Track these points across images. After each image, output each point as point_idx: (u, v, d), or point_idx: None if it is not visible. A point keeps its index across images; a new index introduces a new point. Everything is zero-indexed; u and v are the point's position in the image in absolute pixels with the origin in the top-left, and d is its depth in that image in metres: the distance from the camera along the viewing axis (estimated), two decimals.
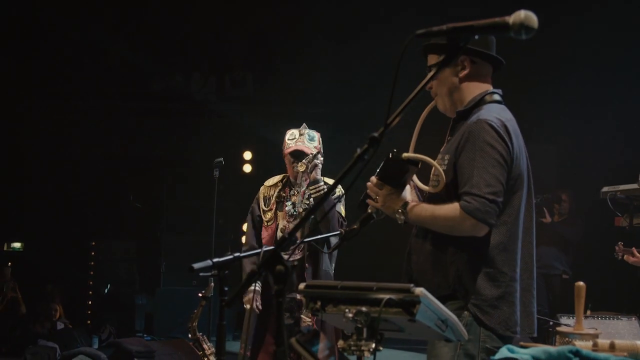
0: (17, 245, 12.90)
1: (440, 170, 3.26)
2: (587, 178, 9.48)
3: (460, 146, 3.23)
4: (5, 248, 12.80)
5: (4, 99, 12.14)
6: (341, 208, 5.58)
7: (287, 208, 5.66)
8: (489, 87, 3.43)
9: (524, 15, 2.02)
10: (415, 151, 3.37)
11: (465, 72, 3.38)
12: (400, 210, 3.28)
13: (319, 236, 3.90)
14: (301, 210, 5.58)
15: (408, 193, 3.35)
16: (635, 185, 7.25)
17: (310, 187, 5.48)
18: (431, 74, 2.34)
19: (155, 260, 12.48)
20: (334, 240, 4.87)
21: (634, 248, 7.04)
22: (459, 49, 2.19)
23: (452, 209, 3.16)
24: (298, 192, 5.66)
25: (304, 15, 11.10)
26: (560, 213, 9.88)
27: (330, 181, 5.60)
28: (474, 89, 3.40)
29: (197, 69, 13.34)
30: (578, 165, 10.55)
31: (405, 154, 3.23)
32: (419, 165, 3.30)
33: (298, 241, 2.43)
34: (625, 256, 7.19)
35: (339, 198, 5.42)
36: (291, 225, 5.49)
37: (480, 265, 3.19)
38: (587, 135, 10.19)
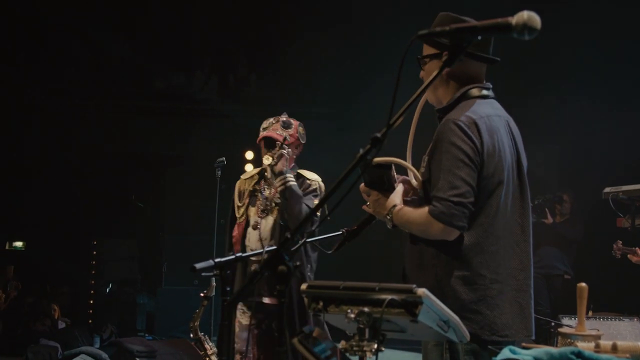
0: (19, 244, 12.92)
1: (414, 170, 3.27)
2: (590, 179, 9.48)
3: (432, 148, 3.19)
4: (7, 247, 12.82)
5: (6, 98, 12.15)
6: (314, 202, 5.16)
7: (258, 202, 5.32)
8: (475, 81, 3.34)
9: (527, 16, 2.01)
10: (413, 146, 3.35)
11: (448, 70, 3.21)
12: (388, 216, 3.27)
13: (321, 237, 3.88)
14: (274, 205, 5.23)
15: (397, 197, 3.29)
16: (637, 186, 7.26)
17: (276, 180, 5.13)
18: (433, 75, 2.33)
19: (157, 259, 12.48)
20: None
21: (637, 248, 7.04)
22: (462, 50, 2.18)
23: (422, 213, 3.12)
24: (271, 186, 5.30)
25: (307, 15, 11.09)
26: (562, 213, 9.87)
27: (309, 174, 5.33)
28: (457, 88, 3.33)
29: (199, 68, 13.34)
30: (580, 166, 10.54)
31: (375, 159, 3.15)
32: (392, 168, 3.27)
33: (300, 242, 2.42)
34: (628, 255, 7.20)
35: (314, 191, 5.18)
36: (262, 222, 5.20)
37: (457, 269, 3.12)
38: (590, 136, 10.18)
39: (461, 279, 3.12)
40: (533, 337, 3.29)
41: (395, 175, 3.32)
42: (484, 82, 3.38)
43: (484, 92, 3.32)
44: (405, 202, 3.30)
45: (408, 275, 3.32)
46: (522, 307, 3.19)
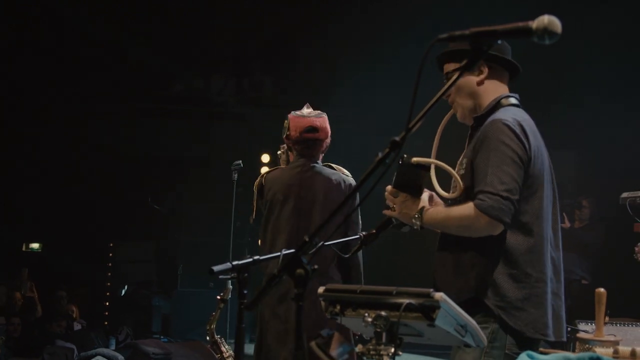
0: (35, 246, 12.98)
1: (455, 174, 3.27)
2: (606, 183, 9.44)
3: (477, 148, 3.21)
4: (23, 249, 12.88)
5: (25, 100, 12.22)
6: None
7: None
8: (505, 92, 3.41)
9: (547, 20, 2.00)
10: (437, 159, 3.35)
11: (483, 75, 3.36)
12: (416, 216, 3.27)
13: (339, 240, 3.84)
14: None
15: (426, 198, 3.32)
16: None
17: None
18: (454, 78, 2.32)
19: (173, 262, 12.52)
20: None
21: None
22: (483, 54, 2.18)
23: (466, 208, 3.14)
24: None
25: (325, 18, 11.11)
26: (581, 219, 9.85)
27: (341, 168, 5.14)
28: (491, 94, 3.38)
29: (217, 71, 13.38)
30: (597, 171, 10.51)
31: (415, 159, 3.20)
32: (430, 169, 3.29)
33: (318, 245, 2.42)
34: None
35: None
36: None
37: (503, 267, 3.15)
38: (607, 141, 10.14)
39: (508, 276, 3.15)
40: (564, 339, 3.31)
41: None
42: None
43: (513, 100, 3.38)
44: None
45: (440, 284, 3.31)
46: (555, 309, 3.24)
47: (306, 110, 5.06)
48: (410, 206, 3.30)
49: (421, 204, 3.29)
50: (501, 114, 3.24)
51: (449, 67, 3.45)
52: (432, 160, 3.27)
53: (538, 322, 3.14)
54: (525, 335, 3.11)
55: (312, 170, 4.95)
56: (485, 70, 3.37)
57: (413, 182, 3.29)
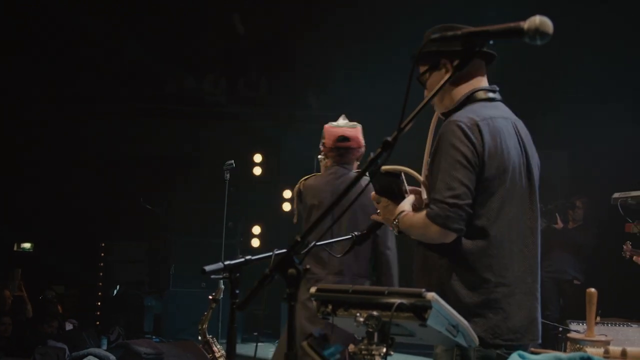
0: (27, 245, 12.95)
1: (421, 179, 3.26)
2: (598, 184, 9.47)
3: (434, 150, 3.18)
4: (15, 248, 12.85)
5: (16, 99, 12.19)
6: None
7: None
8: (479, 84, 3.33)
9: (539, 21, 2.01)
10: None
11: (448, 74, 3.21)
12: (395, 222, 3.27)
13: (332, 240, 3.87)
14: None
15: (407, 203, 3.29)
16: None
17: None
18: (444, 80, 2.33)
19: (165, 262, 12.50)
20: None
21: None
22: (475, 54, 2.18)
23: (421, 216, 3.12)
24: None
25: (318, 18, 11.11)
26: (575, 220, 9.89)
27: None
28: (461, 90, 3.31)
29: (210, 71, 13.37)
30: (589, 172, 10.53)
31: (384, 167, 3.18)
32: (401, 176, 3.27)
33: (310, 245, 2.42)
34: (634, 257, 7.19)
35: None
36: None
37: (459, 273, 3.11)
38: (599, 142, 10.17)
39: (464, 282, 3.10)
40: (539, 342, 3.25)
41: (407, 187, 3.32)
42: (488, 83, 3.36)
43: (490, 94, 3.31)
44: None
45: (415, 280, 3.33)
46: (529, 311, 3.17)
47: (341, 122, 5.50)
48: (392, 211, 3.31)
49: (399, 209, 3.28)
50: (459, 114, 3.17)
51: (422, 68, 3.41)
52: (399, 167, 3.24)
53: (499, 327, 3.07)
54: (484, 340, 3.03)
55: (344, 176, 5.31)
56: (450, 69, 3.28)
57: (390, 188, 3.30)
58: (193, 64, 13.15)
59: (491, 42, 2.18)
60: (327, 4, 11.17)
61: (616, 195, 7.46)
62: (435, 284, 3.13)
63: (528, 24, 2.02)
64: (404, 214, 3.25)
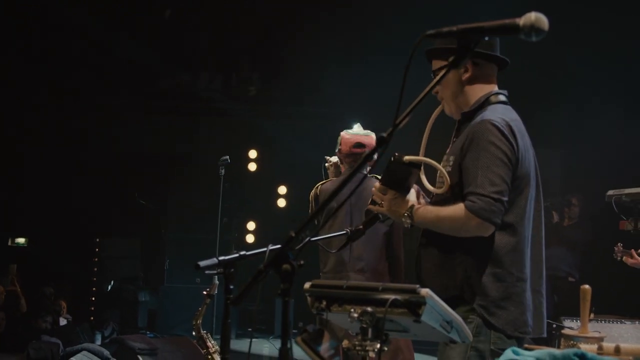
0: (21, 240, 12.93)
1: (444, 171, 3.26)
2: (592, 181, 9.48)
3: (465, 147, 3.22)
4: (9, 243, 12.82)
5: (10, 96, 12.16)
6: None
7: None
8: (493, 88, 3.43)
9: (534, 17, 2.01)
10: (425, 155, 3.35)
11: (468, 74, 3.39)
12: (406, 214, 3.28)
13: (326, 236, 3.90)
14: None
15: (413, 196, 3.33)
16: None
17: None
18: (439, 75, 2.34)
19: (159, 257, 12.51)
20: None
21: (632, 250, 7.05)
22: (469, 51, 2.19)
23: (457, 209, 3.15)
24: None
25: (312, 14, 11.10)
26: (570, 217, 9.91)
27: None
28: (477, 91, 3.40)
29: (204, 67, 13.36)
30: (583, 169, 10.54)
31: (407, 157, 3.22)
32: (421, 168, 3.30)
33: (304, 240, 2.42)
34: (624, 257, 7.20)
35: None
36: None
37: (488, 266, 3.19)
38: (592, 139, 10.18)
39: (492, 275, 3.19)
40: (544, 335, 3.36)
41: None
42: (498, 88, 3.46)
43: (502, 97, 3.41)
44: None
45: (426, 278, 3.36)
46: (536, 307, 3.28)
47: (356, 129, 5.83)
48: (400, 204, 3.31)
49: (410, 202, 3.30)
50: (490, 114, 3.25)
51: (437, 64, 3.49)
52: (423, 158, 3.27)
53: (518, 320, 3.19)
54: (505, 333, 3.16)
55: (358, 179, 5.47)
56: (470, 69, 3.38)
57: (403, 179, 3.30)
58: (188, 60, 13.13)
59: (486, 38, 2.19)
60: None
61: (610, 192, 7.47)
62: (460, 279, 3.22)
63: (523, 20, 2.03)
64: (417, 206, 3.29)
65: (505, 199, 3.12)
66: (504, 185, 3.11)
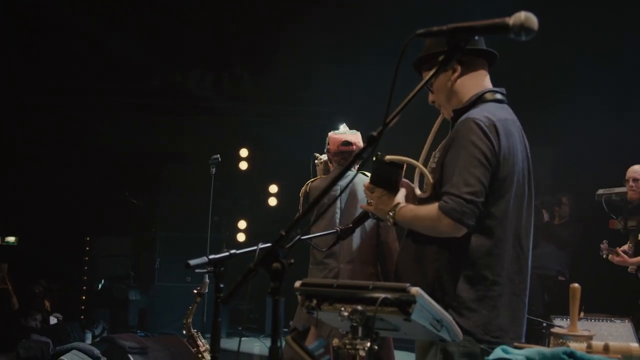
0: (11, 239, 12.88)
1: (426, 171, 3.25)
2: (582, 181, 9.51)
3: (447, 145, 3.19)
4: None
5: (1, 94, 12.13)
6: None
7: None
8: (486, 84, 3.38)
9: (524, 16, 2.02)
10: (424, 161, 3.35)
11: (456, 74, 3.33)
12: (390, 213, 3.28)
13: (316, 234, 3.91)
14: None
15: (401, 195, 3.32)
16: None
17: None
18: (428, 75, 2.34)
19: (150, 256, 12.49)
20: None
21: (617, 248, 7.08)
22: (460, 50, 2.19)
23: (431, 209, 3.11)
24: None
25: (303, 13, 11.09)
26: (560, 216, 9.93)
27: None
28: (469, 89, 3.35)
29: (196, 66, 13.34)
30: (573, 168, 10.57)
31: (388, 157, 3.23)
32: (404, 167, 3.30)
33: (295, 239, 2.43)
34: (610, 256, 7.23)
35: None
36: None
37: (461, 267, 3.13)
38: (583, 139, 10.20)
39: (464, 276, 3.13)
40: (523, 341, 3.25)
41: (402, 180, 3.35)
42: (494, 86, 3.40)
43: (498, 96, 3.35)
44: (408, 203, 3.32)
45: (401, 271, 3.33)
46: (514, 310, 3.21)
47: (342, 129, 5.98)
48: (386, 202, 3.31)
49: (395, 201, 3.30)
50: (476, 112, 3.20)
51: (427, 74, 3.39)
52: (404, 158, 3.26)
53: (490, 324, 3.12)
54: (475, 336, 3.09)
55: (348, 177, 5.65)
56: (458, 68, 3.33)
57: (388, 178, 3.31)
58: (179, 59, 13.11)
59: (476, 37, 2.19)
60: None
61: (600, 191, 7.51)
62: (432, 276, 3.17)
63: (513, 19, 2.03)
64: (400, 205, 3.27)
65: (480, 200, 3.04)
66: (480, 187, 3.04)
